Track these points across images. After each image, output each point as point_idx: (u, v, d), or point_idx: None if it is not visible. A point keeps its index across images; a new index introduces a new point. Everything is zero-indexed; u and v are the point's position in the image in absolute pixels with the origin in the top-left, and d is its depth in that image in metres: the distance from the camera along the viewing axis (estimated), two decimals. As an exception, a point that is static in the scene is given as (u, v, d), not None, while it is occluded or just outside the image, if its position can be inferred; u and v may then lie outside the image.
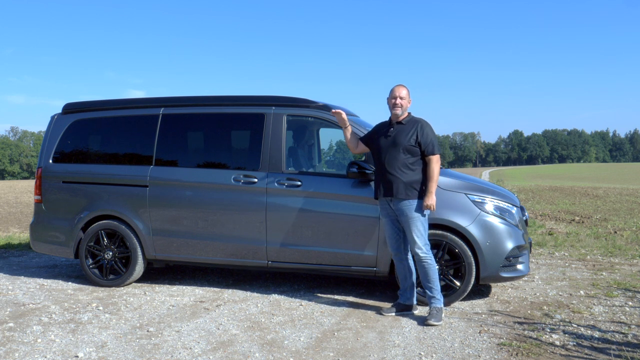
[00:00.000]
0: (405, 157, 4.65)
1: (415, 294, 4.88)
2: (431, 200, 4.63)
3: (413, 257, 4.77)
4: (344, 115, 4.94)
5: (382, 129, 4.87)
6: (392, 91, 4.77)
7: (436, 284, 4.68)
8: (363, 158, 5.31)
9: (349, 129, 5.02)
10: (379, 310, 4.92)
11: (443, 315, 4.68)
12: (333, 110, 4.98)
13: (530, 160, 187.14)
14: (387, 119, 4.91)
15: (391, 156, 4.68)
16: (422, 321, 4.61)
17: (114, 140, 6.26)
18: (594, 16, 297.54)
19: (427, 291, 4.70)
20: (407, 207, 4.63)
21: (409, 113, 4.83)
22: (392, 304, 4.92)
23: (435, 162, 4.67)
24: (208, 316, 4.81)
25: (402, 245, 4.80)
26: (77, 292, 5.71)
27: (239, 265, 5.67)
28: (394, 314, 4.79)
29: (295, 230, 5.37)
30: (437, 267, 5.01)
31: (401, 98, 4.73)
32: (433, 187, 4.64)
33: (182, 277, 6.47)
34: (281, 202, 5.40)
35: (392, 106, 4.75)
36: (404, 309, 4.81)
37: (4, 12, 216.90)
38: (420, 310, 4.88)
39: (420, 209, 4.64)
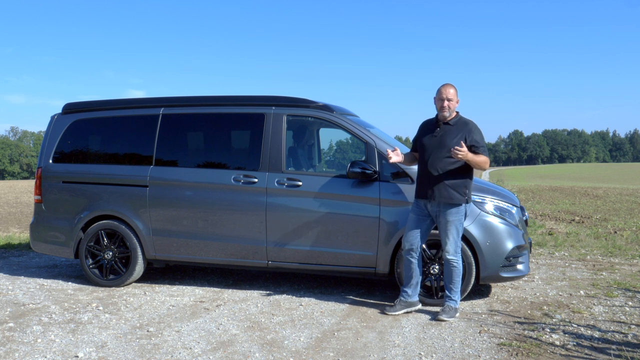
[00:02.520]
0: (450, 159, 4.56)
1: (418, 291, 4.88)
2: (465, 151, 4.42)
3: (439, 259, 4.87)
4: (399, 155, 4.72)
5: (428, 127, 4.80)
6: (439, 92, 4.67)
7: (457, 287, 4.70)
8: (363, 158, 5.30)
9: (404, 158, 4.81)
10: (381, 310, 4.92)
11: (457, 315, 4.69)
12: (390, 156, 4.67)
13: (530, 160, 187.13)
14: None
15: (435, 157, 4.61)
16: (433, 316, 4.67)
17: (114, 140, 6.25)
18: (594, 16, 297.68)
19: (446, 291, 4.73)
20: (447, 210, 4.61)
21: (457, 112, 4.76)
22: (395, 302, 4.91)
23: (486, 160, 4.59)
24: (208, 316, 4.81)
25: (417, 244, 4.76)
26: (77, 292, 5.71)
27: (239, 265, 5.67)
28: (398, 312, 4.78)
29: (295, 230, 5.37)
30: (437, 267, 5.03)
31: (449, 100, 4.63)
32: (473, 158, 4.50)
33: (182, 277, 6.47)
34: (281, 202, 5.40)
35: (440, 108, 4.66)
36: (408, 306, 4.81)
37: (4, 11, 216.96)
38: (421, 307, 4.89)
39: (459, 213, 4.62)
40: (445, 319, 4.58)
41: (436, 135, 4.67)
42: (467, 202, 4.67)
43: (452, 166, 4.58)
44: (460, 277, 4.72)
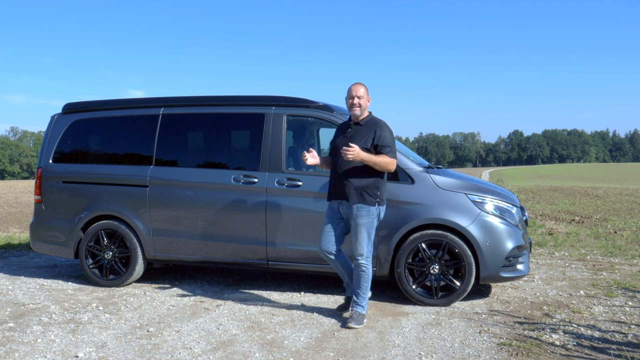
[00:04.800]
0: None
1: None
2: (355, 151, 4.30)
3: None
4: (315, 157, 4.62)
5: (342, 128, 4.71)
6: (349, 90, 4.56)
7: (365, 292, 4.57)
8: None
9: (320, 161, 4.74)
10: (381, 310, 4.92)
11: (365, 321, 4.57)
12: (306, 158, 4.58)
13: (530, 160, 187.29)
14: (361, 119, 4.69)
15: (345, 158, 4.42)
16: (343, 323, 4.52)
17: (114, 140, 6.26)
18: (594, 16, 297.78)
19: (354, 296, 4.58)
20: (356, 212, 4.47)
21: (370, 113, 4.65)
22: (343, 302, 4.83)
23: (390, 161, 4.45)
24: (208, 316, 4.81)
25: (333, 248, 4.64)
26: (77, 292, 5.71)
27: (239, 265, 5.66)
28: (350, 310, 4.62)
29: (295, 230, 5.37)
30: (437, 266, 5.01)
31: (359, 97, 4.50)
32: (369, 157, 4.38)
33: (182, 277, 6.47)
34: (281, 202, 5.40)
35: (350, 106, 4.54)
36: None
37: (4, 11, 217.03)
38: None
39: (370, 216, 4.49)
40: (354, 326, 4.42)
41: (347, 135, 4.56)
42: (379, 204, 4.54)
43: (360, 167, 4.44)
44: (369, 282, 4.59)
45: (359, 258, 4.53)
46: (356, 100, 4.51)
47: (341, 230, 4.66)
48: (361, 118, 4.59)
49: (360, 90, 4.53)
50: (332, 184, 4.65)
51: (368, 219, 4.50)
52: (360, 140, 4.48)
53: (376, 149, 4.47)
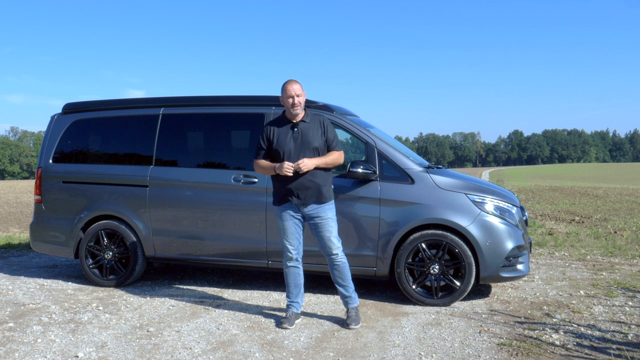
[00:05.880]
0: (316, 156, 4.40)
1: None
2: (307, 163, 4.28)
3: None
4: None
5: (281, 128, 4.46)
6: (285, 90, 4.38)
7: (351, 283, 4.56)
8: (363, 158, 5.30)
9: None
10: (381, 310, 4.91)
11: (360, 314, 4.58)
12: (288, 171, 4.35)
13: (530, 160, 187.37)
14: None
15: (302, 158, 4.34)
16: (344, 323, 4.50)
17: (114, 140, 6.25)
18: (594, 16, 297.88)
19: (343, 290, 4.55)
20: (323, 209, 4.43)
21: (306, 109, 4.54)
22: (287, 314, 4.56)
23: (338, 155, 4.47)
24: (208, 316, 4.81)
25: (301, 251, 4.59)
26: (77, 292, 5.71)
27: (239, 265, 5.66)
28: (294, 325, 4.51)
29: (295, 230, 5.35)
30: (437, 266, 5.02)
31: (297, 96, 4.36)
32: (319, 161, 4.36)
33: (182, 277, 6.47)
34: (281, 202, 5.39)
35: (291, 106, 4.36)
36: (298, 317, 4.62)
37: (3, 11, 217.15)
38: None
39: (334, 208, 4.52)
40: (355, 326, 4.42)
41: (296, 135, 4.41)
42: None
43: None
44: (349, 271, 4.55)
45: (338, 253, 4.49)
46: (297, 100, 4.36)
47: (302, 232, 4.60)
48: (303, 115, 4.49)
49: (297, 88, 4.39)
50: (287, 187, 4.40)
51: (333, 212, 4.52)
52: (313, 138, 4.41)
53: (327, 144, 4.47)
